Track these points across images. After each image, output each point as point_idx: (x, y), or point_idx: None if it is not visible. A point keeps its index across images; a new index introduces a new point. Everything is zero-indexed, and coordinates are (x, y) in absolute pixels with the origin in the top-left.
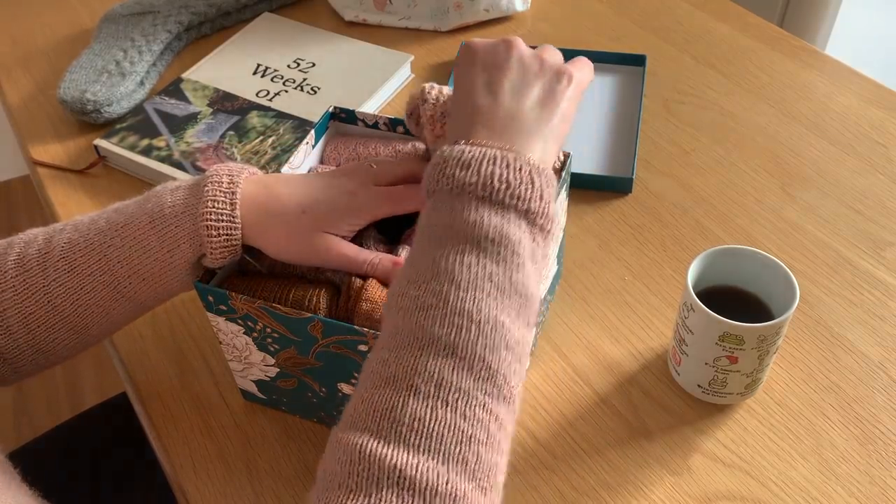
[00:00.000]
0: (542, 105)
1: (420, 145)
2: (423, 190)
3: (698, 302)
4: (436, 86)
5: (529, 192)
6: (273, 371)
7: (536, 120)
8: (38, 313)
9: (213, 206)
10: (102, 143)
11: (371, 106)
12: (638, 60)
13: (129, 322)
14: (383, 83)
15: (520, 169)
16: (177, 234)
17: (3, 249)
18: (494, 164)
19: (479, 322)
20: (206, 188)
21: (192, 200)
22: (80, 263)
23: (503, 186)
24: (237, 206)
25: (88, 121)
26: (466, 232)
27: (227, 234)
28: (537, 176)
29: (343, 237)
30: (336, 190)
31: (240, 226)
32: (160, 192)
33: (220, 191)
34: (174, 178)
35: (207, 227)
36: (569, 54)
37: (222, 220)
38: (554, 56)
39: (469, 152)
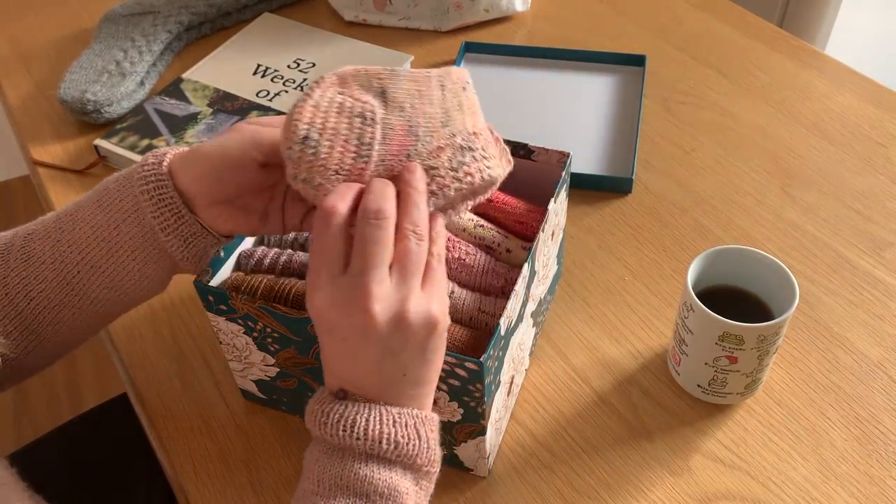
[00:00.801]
0: (417, 370)
1: None
2: (307, 421)
3: (698, 302)
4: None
5: (416, 447)
6: (273, 371)
7: (413, 382)
8: None
9: (143, 171)
10: (102, 143)
11: None
12: (638, 60)
13: (91, 328)
14: None
15: (405, 425)
16: (120, 207)
17: None
18: (381, 423)
19: None
20: (143, 159)
21: (130, 173)
22: (35, 251)
23: (391, 447)
24: (163, 166)
25: (88, 121)
26: (356, 487)
27: (159, 195)
28: (422, 426)
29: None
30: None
31: (168, 183)
32: (109, 176)
33: (152, 155)
34: None
35: (142, 192)
36: (569, 54)
37: (151, 181)
38: (418, 306)
39: (354, 411)
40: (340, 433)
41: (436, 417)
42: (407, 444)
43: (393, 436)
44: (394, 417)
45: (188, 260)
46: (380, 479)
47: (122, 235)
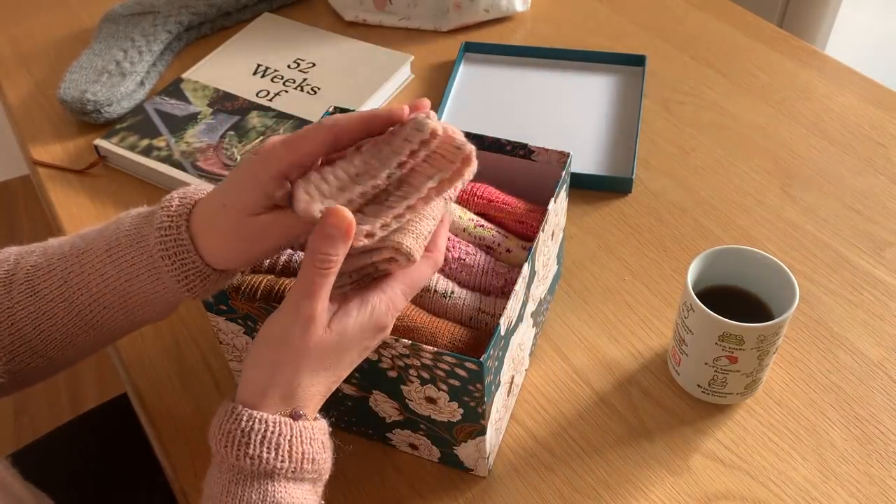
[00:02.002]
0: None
1: None
2: (210, 440)
3: (698, 302)
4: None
5: (326, 461)
6: None
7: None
8: (4, 335)
9: (163, 234)
10: (102, 143)
11: (371, 106)
12: (638, 60)
13: (103, 346)
14: (383, 83)
15: (315, 440)
16: (133, 263)
17: None
18: (302, 443)
19: None
20: (157, 214)
21: (145, 229)
22: (41, 288)
23: (311, 466)
24: (182, 230)
25: (88, 121)
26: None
27: (181, 260)
28: (326, 437)
29: (272, 207)
30: (239, 165)
31: (191, 248)
32: (122, 217)
33: (168, 215)
34: (174, 178)
35: (162, 256)
36: (569, 54)
37: (171, 246)
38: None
39: (273, 431)
40: (265, 456)
41: (325, 423)
42: (323, 460)
43: (311, 454)
44: (310, 434)
45: (202, 294)
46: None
47: (134, 287)
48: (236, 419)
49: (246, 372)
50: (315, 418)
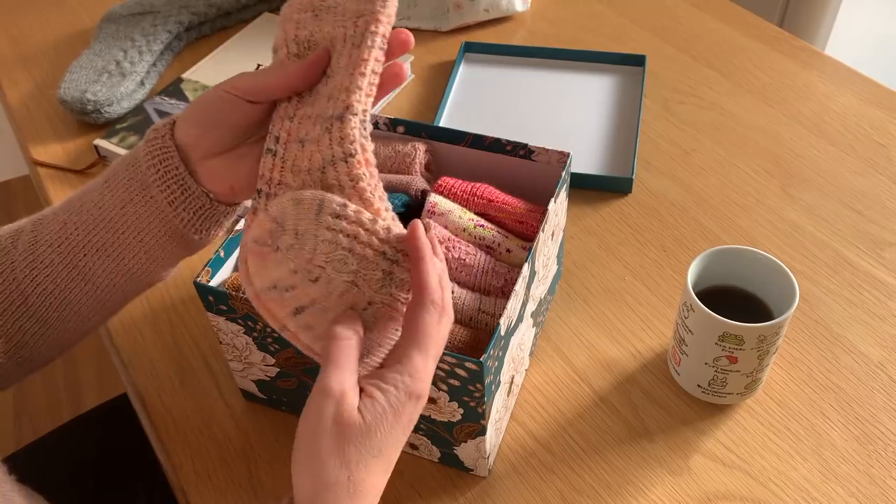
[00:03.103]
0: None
1: (420, 146)
2: None
3: (698, 302)
4: None
5: None
6: (273, 371)
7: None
8: (4, 292)
9: (149, 145)
10: (102, 143)
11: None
12: (638, 60)
13: (93, 320)
14: None
15: None
16: (128, 186)
17: None
18: None
19: None
20: (146, 138)
21: (137, 150)
22: (42, 235)
23: None
24: (167, 138)
25: (88, 121)
26: None
27: (164, 160)
28: None
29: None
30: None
31: (175, 155)
32: (119, 157)
33: (154, 129)
34: None
35: (149, 166)
36: (569, 54)
37: (158, 153)
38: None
39: None
40: None
41: None
42: None
43: None
44: None
45: (200, 232)
46: None
47: (129, 216)
48: None
49: (294, 475)
50: None
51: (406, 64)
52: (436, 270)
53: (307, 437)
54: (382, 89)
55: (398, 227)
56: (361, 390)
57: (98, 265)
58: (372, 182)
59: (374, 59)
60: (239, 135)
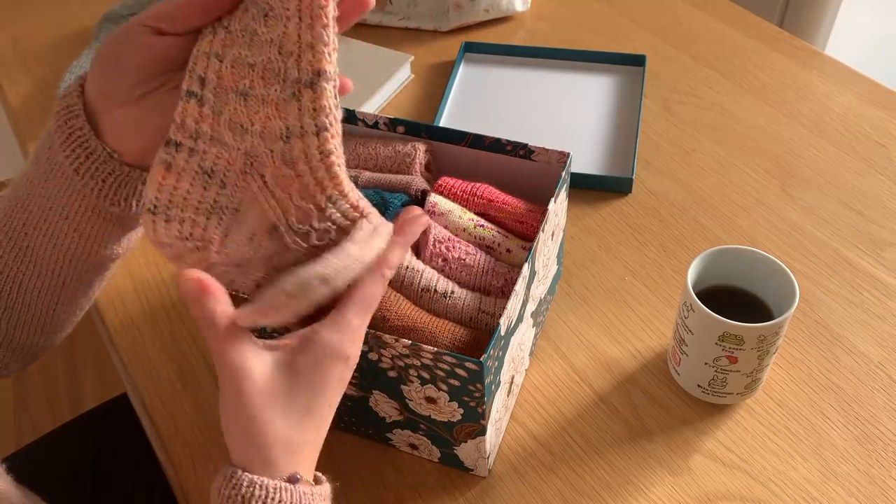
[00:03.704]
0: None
1: (420, 146)
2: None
3: (698, 302)
4: None
5: None
6: None
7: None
8: None
9: (60, 105)
10: None
11: (371, 106)
12: (638, 60)
13: (61, 307)
14: (383, 83)
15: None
16: (48, 156)
17: None
18: None
19: None
20: (58, 98)
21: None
22: None
23: None
24: (75, 94)
25: None
26: None
27: (69, 120)
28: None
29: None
30: None
31: (79, 109)
32: None
33: (67, 90)
34: None
35: (56, 128)
36: (569, 54)
37: (64, 112)
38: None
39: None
40: None
41: (328, 488)
42: None
43: None
44: (309, 500)
45: (116, 204)
46: None
47: (51, 190)
48: (236, 485)
49: (226, 435)
50: (317, 480)
51: (406, 64)
52: (403, 253)
53: (233, 407)
54: (342, 22)
55: (367, 204)
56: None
57: (38, 245)
58: (341, 156)
59: (333, 4)
60: (148, 78)
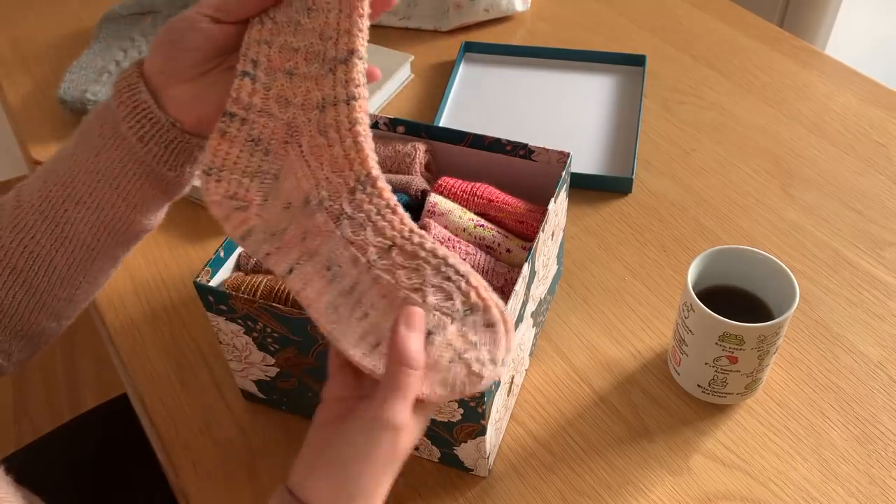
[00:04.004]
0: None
1: (420, 146)
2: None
3: (698, 302)
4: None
5: None
6: (273, 371)
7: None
8: None
9: (120, 85)
10: None
11: (371, 106)
12: (638, 60)
13: (84, 286)
14: (383, 83)
15: None
16: (101, 132)
17: None
18: None
19: None
20: (115, 80)
21: (108, 100)
22: (24, 198)
23: None
24: (134, 76)
25: None
26: None
27: (133, 95)
28: None
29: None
30: None
31: (142, 86)
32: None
33: (124, 72)
34: None
35: (119, 103)
36: (569, 54)
37: (126, 90)
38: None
39: None
40: None
41: None
42: None
43: None
44: None
45: (174, 168)
46: None
47: (102, 162)
48: None
49: (316, 479)
50: None
51: (406, 64)
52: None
53: (351, 457)
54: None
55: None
56: None
57: (78, 219)
58: (367, 129)
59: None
60: (205, 60)
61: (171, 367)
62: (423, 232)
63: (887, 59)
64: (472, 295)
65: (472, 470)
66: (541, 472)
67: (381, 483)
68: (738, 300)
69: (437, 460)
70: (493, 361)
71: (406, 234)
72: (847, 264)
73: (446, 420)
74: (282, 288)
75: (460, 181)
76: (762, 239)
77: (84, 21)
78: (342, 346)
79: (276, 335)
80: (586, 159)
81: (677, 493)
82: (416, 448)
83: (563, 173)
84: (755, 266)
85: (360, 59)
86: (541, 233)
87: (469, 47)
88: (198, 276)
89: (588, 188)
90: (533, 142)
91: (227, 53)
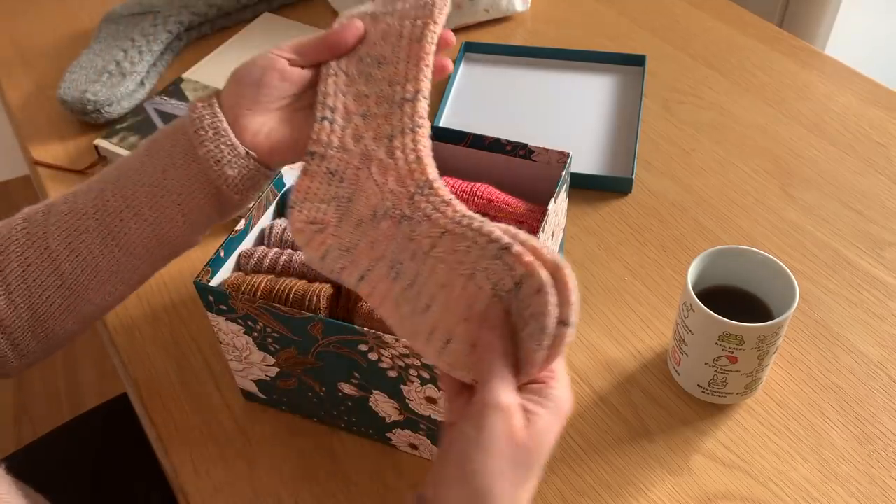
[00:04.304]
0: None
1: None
2: None
3: (698, 302)
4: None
5: None
6: (273, 371)
7: None
8: (35, 263)
9: (199, 112)
10: (103, 143)
11: None
12: (638, 60)
13: (121, 291)
14: None
15: None
16: (172, 151)
17: (21, 213)
18: None
19: None
20: (190, 106)
21: (180, 120)
22: (78, 205)
23: None
24: (215, 106)
25: (89, 121)
26: None
27: (213, 123)
28: None
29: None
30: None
31: (222, 117)
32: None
33: (200, 100)
34: None
35: (196, 129)
36: (569, 54)
37: (208, 118)
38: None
39: None
40: None
41: None
42: None
43: None
44: None
45: (241, 192)
46: None
47: (170, 180)
48: None
49: (443, 487)
50: None
51: None
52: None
53: (468, 452)
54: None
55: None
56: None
57: (134, 230)
58: (429, 153)
59: (432, 54)
60: (280, 97)
61: (171, 367)
62: (473, 214)
63: (887, 59)
64: (517, 266)
65: None
66: None
67: (508, 478)
68: (738, 300)
69: None
70: (564, 323)
71: (457, 218)
72: (847, 264)
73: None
74: (282, 288)
75: (460, 181)
76: (762, 239)
77: (84, 21)
78: (416, 347)
79: (276, 335)
80: (586, 159)
81: (677, 493)
82: (416, 448)
83: (563, 173)
84: (755, 266)
85: (425, 98)
86: (541, 233)
87: (469, 47)
88: (198, 276)
89: (588, 188)
90: (533, 142)
91: (300, 93)
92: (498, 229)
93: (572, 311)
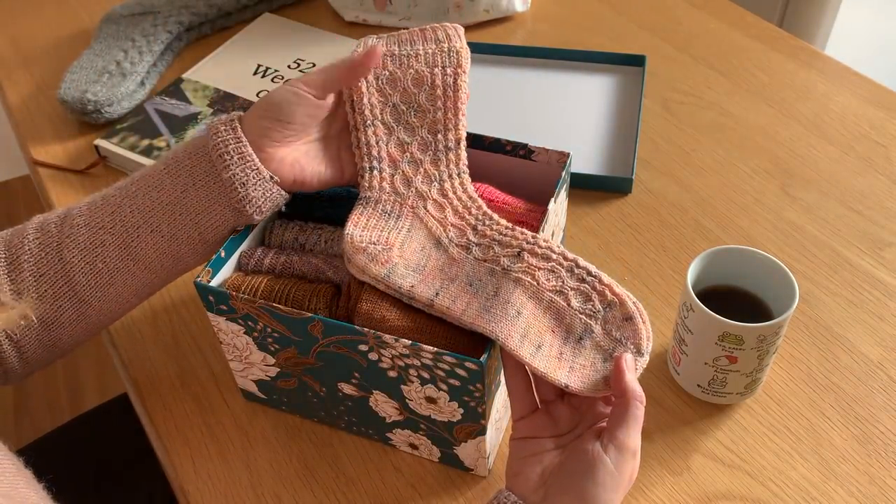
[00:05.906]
0: None
1: None
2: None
3: (698, 302)
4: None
5: None
6: (273, 371)
7: None
8: (48, 274)
9: (222, 136)
10: (103, 143)
11: None
12: (638, 60)
13: (131, 303)
14: None
15: None
16: (192, 172)
17: (31, 222)
18: None
19: None
20: (211, 126)
21: (199, 140)
22: (95, 219)
23: None
24: (238, 129)
25: (89, 121)
26: None
27: (238, 149)
28: None
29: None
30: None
31: (244, 140)
32: (175, 147)
33: (221, 122)
34: None
35: (220, 153)
36: (569, 54)
37: (231, 141)
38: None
39: None
40: None
41: None
42: None
43: None
44: None
45: (261, 213)
46: None
47: (190, 199)
48: None
49: (560, 494)
50: None
51: None
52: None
53: (603, 482)
54: None
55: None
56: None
57: (150, 244)
58: (475, 192)
59: (466, 102)
60: (301, 128)
61: (171, 367)
62: (546, 237)
63: (887, 59)
64: (608, 293)
65: (471, 470)
66: None
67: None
68: (737, 300)
69: (437, 460)
70: (640, 352)
71: (530, 240)
72: (847, 264)
73: (446, 420)
74: (282, 288)
75: None
76: (762, 239)
77: (84, 21)
78: (509, 345)
79: (276, 335)
80: (586, 159)
81: (677, 493)
82: (416, 448)
83: (563, 173)
84: (755, 266)
85: (464, 144)
86: (541, 233)
87: (469, 47)
88: (198, 276)
89: (588, 188)
90: (533, 142)
91: (322, 126)
92: (580, 258)
93: (648, 344)
